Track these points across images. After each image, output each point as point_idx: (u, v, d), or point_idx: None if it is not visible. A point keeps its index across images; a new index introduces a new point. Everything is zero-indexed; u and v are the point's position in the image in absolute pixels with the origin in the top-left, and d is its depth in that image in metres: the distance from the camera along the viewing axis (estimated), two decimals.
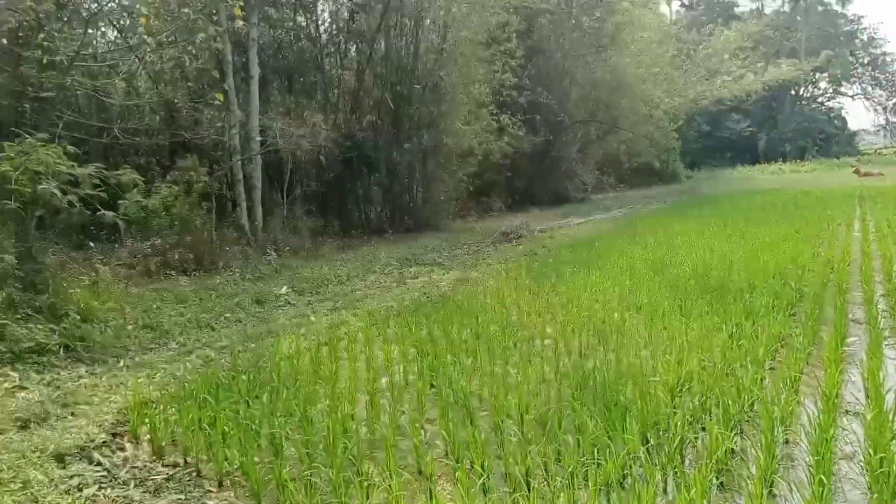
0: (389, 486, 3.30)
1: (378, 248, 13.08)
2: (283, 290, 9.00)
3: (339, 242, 13.59)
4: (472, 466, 3.59)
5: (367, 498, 3.27)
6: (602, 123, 27.32)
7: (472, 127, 18.75)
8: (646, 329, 5.90)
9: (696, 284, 7.29)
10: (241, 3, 11.25)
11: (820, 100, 56.11)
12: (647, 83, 28.39)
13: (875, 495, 3.07)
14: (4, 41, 10.10)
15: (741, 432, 3.84)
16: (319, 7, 17.06)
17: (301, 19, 16.49)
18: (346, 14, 17.20)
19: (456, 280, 9.37)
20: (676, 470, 3.46)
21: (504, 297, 7.61)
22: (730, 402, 3.98)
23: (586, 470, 3.49)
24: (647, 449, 3.67)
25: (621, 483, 3.39)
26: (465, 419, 4.26)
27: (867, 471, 3.21)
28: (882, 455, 3.18)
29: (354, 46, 17.84)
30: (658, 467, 3.47)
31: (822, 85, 55.36)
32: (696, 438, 3.78)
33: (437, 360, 5.35)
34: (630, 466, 3.55)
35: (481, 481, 3.41)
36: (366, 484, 3.37)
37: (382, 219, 16.54)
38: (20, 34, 9.67)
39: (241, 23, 11.30)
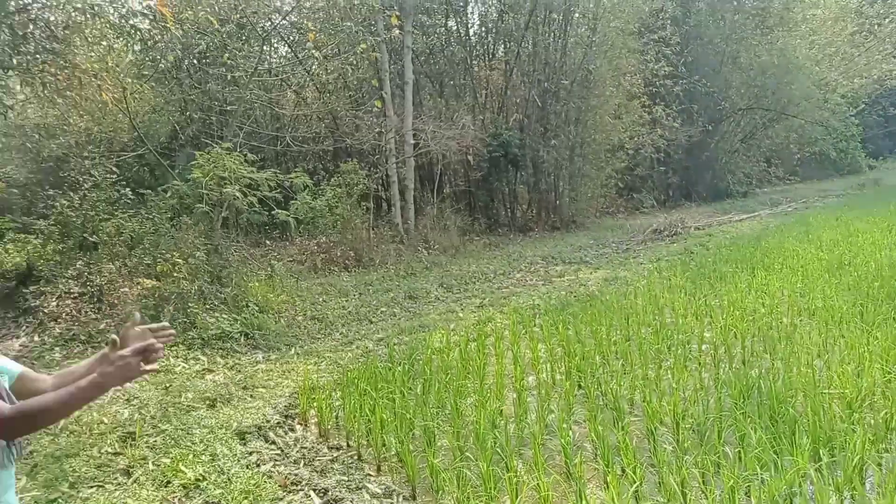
0: (538, 484, 3.33)
1: (524, 246, 13.12)
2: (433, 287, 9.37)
3: (485, 240, 13.83)
4: (624, 472, 3.52)
5: (517, 494, 3.33)
6: (768, 111, 25.04)
7: (622, 120, 18.14)
8: (819, 336, 5.37)
9: (882, 288, 6.49)
10: (398, 13, 11.83)
11: None
12: (820, 65, 25.60)
13: None
14: (196, 61, 11.57)
15: None
16: (469, 10, 17.47)
17: (452, 23, 16.96)
18: (494, 14, 17.41)
19: (604, 279, 9.14)
20: (854, 493, 3.13)
21: (657, 298, 7.31)
22: None
23: (748, 486, 3.29)
24: (819, 468, 3.36)
25: (788, 503, 3.14)
26: (614, 423, 4.17)
27: None
28: None
29: (502, 46, 18.02)
30: (832, 488, 3.17)
31: None
32: (881, 459, 3.39)
33: (584, 361, 5.29)
34: (799, 485, 3.28)
35: (634, 488, 3.34)
36: (515, 480, 3.43)
37: (528, 217, 16.55)
38: (207, 55, 11.00)
39: (397, 31, 11.89)
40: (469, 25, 17.53)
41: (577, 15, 17.08)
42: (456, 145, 13.81)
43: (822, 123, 25.27)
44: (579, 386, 4.90)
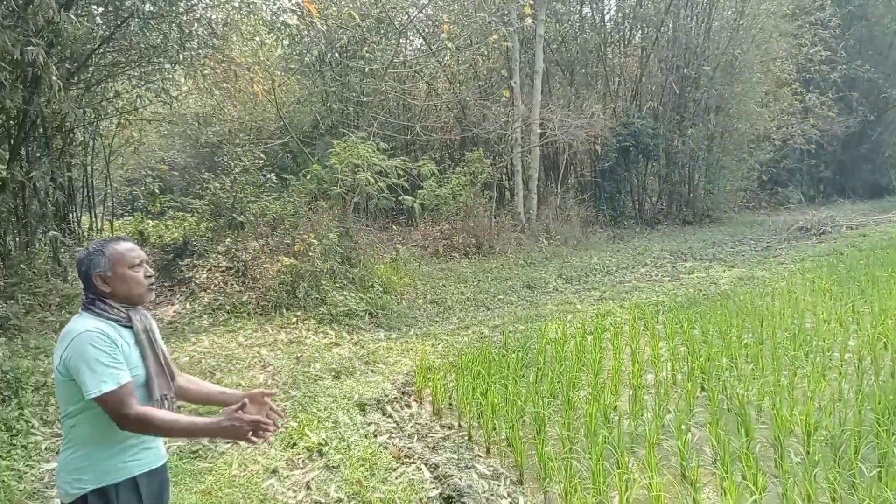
0: (650, 483, 3.26)
1: (650, 240, 12.62)
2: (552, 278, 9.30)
3: (609, 232, 13.46)
4: (743, 480, 3.34)
5: (626, 490, 3.27)
6: None
7: (770, 109, 16.85)
8: None
9: None
10: (532, 2, 11.77)
11: None
12: None
13: None
14: (338, 55, 12.26)
15: None
16: None
17: (587, 10, 16.55)
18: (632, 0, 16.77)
19: (738, 278, 8.58)
20: None
21: (797, 301, 6.76)
22: None
23: None
24: None
25: None
26: (738, 429, 3.95)
27: None
28: None
29: (640, 32, 17.33)
30: None
31: None
32: None
33: (710, 363, 5.03)
34: None
35: (753, 498, 3.16)
36: (625, 477, 3.37)
37: (657, 209, 15.87)
38: (348, 48, 11.62)
39: (529, 20, 11.84)
40: (605, 11, 17.04)
41: None
42: (584, 134, 13.55)
43: None
44: (702, 388, 4.67)
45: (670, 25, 15.93)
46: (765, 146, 16.79)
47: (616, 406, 4.46)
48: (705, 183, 16.02)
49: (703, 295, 7.66)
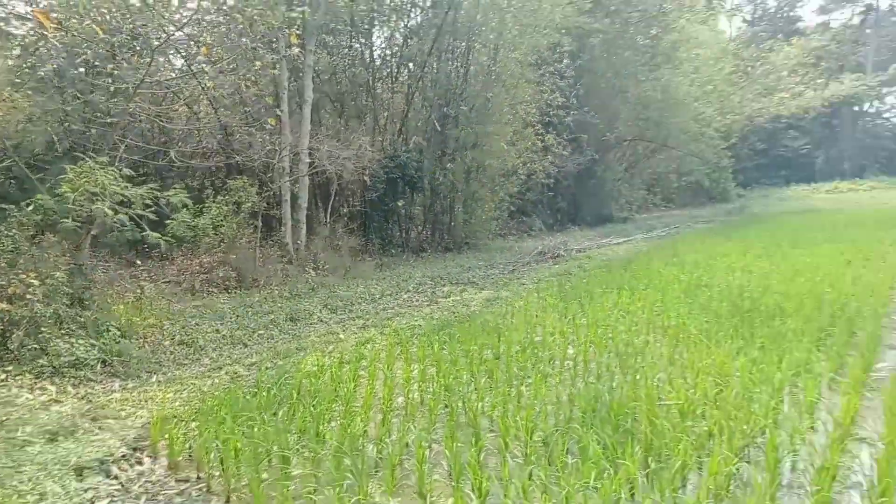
0: None
1: (415, 267, 13.26)
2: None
3: (378, 261, 13.85)
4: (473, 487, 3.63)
5: None
6: (651, 142, 26.97)
7: (517, 147, 18.86)
8: (667, 351, 5.80)
9: (728, 307, 7.11)
10: (299, 32, 11.71)
11: (885, 115, 53.65)
12: (699, 101, 27.92)
13: None
14: (82, 70, 10.90)
15: (748, 458, 3.74)
16: (375, 33, 17.64)
17: (357, 45, 17.02)
18: (399, 39, 17.66)
19: (486, 299, 9.41)
20: (674, 495, 3.41)
21: (531, 317, 7.61)
22: (740, 428, 3.89)
23: (583, 493, 3.49)
24: (648, 474, 3.63)
25: None
26: (472, 439, 4.30)
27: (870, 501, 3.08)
28: (887, 481, 3.06)
29: (406, 70, 18.29)
30: (657, 492, 3.43)
31: (889, 100, 53.00)
32: (701, 464, 3.71)
33: (455, 380, 5.42)
34: (635, 490, 3.53)
35: (477, 502, 3.46)
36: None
37: (423, 238, 16.76)
38: (95, 65, 10.41)
39: (297, 50, 11.76)
40: (373, 48, 17.71)
41: (478, 45, 17.70)
42: (352, 166, 13.83)
43: (698, 155, 27.45)
44: (445, 405, 5.00)
45: (433, 67, 17.12)
46: (513, 180, 18.76)
47: (366, 432, 4.56)
48: (463, 213, 17.37)
49: (456, 316, 8.24)
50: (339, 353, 6.60)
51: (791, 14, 53.66)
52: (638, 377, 5.06)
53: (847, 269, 9.15)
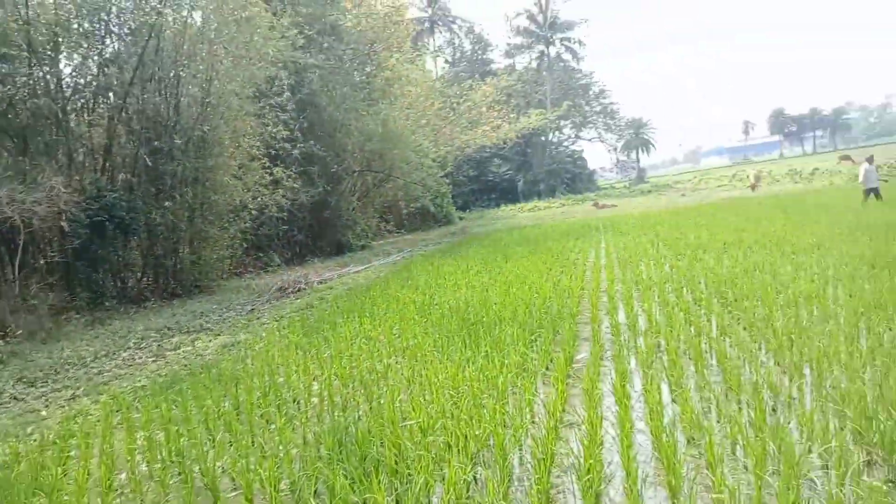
0: None
1: (136, 320, 11.83)
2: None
3: (88, 317, 12.03)
4: None
5: None
6: (378, 172, 28.33)
7: (244, 181, 18.16)
8: (408, 372, 6.03)
9: (456, 321, 7.70)
10: None
11: (565, 144, 64.62)
12: (416, 134, 30.25)
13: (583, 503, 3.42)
14: None
15: (481, 462, 4.05)
16: (63, 60, 15.36)
17: (39, 73, 14.59)
18: (93, 68, 15.64)
19: (222, 346, 8.78)
20: None
21: (272, 359, 7.30)
22: (472, 434, 4.19)
23: None
24: (396, 498, 3.69)
25: None
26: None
27: (579, 479, 3.56)
28: (591, 461, 3.56)
29: (105, 101, 16.29)
30: None
31: (566, 131, 64.11)
32: (443, 476, 3.89)
33: (189, 441, 4.90)
34: None
35: None
36: None
37: (143, 286, 15.07)
38: None
39: None
40: (61, 76, 15.39)
41: (187, 75, 16.61)
42: (44, 210, 11.85)
43: (420, 183, 29.60)
44: (179, 472, 4.48)
45: (139, 97, 15.58)
46: (244, 215, 17.99)
47: None
48: (190, 254, 16.09)
49: (188, 370, 7.52)
50: (40, 435, 5.51)
51: (484, 56, 61.66)
52: (382, 402, 5.16)
53: (549, 276, 10.64)
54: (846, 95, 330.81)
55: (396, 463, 4.03)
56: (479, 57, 61.32)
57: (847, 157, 44.67)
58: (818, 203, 18.83)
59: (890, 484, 3.31)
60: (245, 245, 18.87)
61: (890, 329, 5.62)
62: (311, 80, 22.71)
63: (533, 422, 4.61)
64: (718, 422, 4.23)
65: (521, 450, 4.16)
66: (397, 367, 6.34)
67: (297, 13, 21.39)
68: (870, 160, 17.81)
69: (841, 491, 3.20)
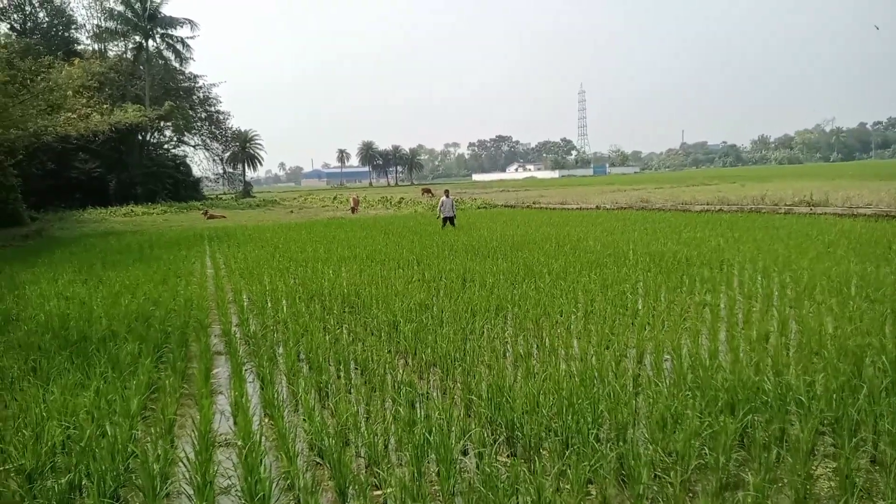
0: None
1: None
2: None
3: None
4: None
5: None
6: None
7: None
8: None
9: (53, 339, 6.33)
10: None
11: (167, 147, 60.10)
12: None
13: None
14: None
15: (120, 499, 3.41)
16: None
17: None
18: None
19: None
20: None
21: None
22: (107, 470, 3.48)
23: None
24: None
25: None
26: None
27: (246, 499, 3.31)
28: (256, 478, 3.35)
29: None
30: None
31: (168, 133, 59.52)
32: None
33: None
34: None
35: None
36: None
37: None
38: None
39: None
40: None
41: None
42: None
43: None
44: None
45: None
46: None
47: None
48: None
49: None
50: None
51: (67, 35, 52.57)
52: None
53: (166, 286, 9.63)
54: (419, 139, 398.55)
55: None
56: (60, 33, 52.09)
57: (428, 191, 53.44)
58: (408, 227, 21.74)
59: None
60: None
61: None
62: None
63: (177, 447, 4.09)
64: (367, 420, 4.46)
65: (170, 479, 3.64)
66: None
67: None
68: (447, 193, 21.46)
69: None
